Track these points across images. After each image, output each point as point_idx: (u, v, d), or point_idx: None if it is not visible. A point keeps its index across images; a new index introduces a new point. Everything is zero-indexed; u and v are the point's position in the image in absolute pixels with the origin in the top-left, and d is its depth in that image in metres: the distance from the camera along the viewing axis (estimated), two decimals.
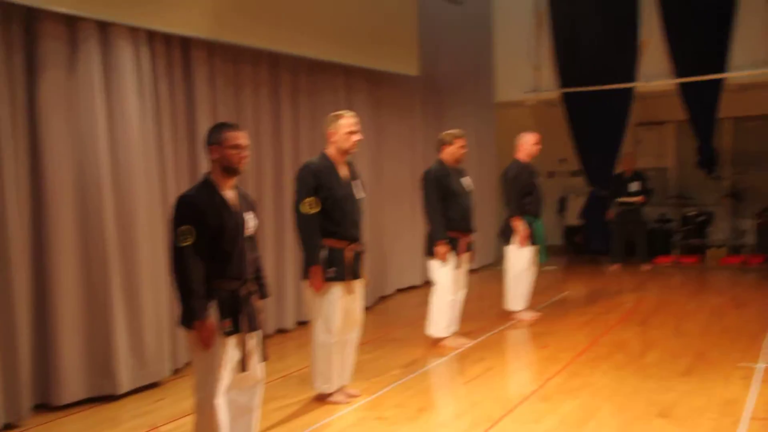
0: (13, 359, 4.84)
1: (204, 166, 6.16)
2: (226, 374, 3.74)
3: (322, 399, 5.18)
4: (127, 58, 5.61)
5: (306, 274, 5.02)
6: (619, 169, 11.37)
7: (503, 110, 12.58)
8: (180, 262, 3.65)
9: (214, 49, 6.53)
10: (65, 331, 5.24)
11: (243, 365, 3.79)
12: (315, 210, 4.98)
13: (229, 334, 3.71)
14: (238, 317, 3.76)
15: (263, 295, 4.06)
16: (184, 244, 3.63)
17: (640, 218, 10.92)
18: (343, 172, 5.15)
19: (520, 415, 4.81)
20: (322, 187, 5.00)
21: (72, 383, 5.29)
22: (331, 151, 5.13)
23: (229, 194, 3.85)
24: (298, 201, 5.04)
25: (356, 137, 5.11)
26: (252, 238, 3.98)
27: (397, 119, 9.52)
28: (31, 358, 5.11)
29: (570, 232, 12.86)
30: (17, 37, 5.03)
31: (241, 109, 6.92)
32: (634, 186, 10.87)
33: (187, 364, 6.02)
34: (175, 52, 6.13)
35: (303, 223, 5.02)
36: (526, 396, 5.17)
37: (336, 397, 5.16)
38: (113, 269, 5.49)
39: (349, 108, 7.83)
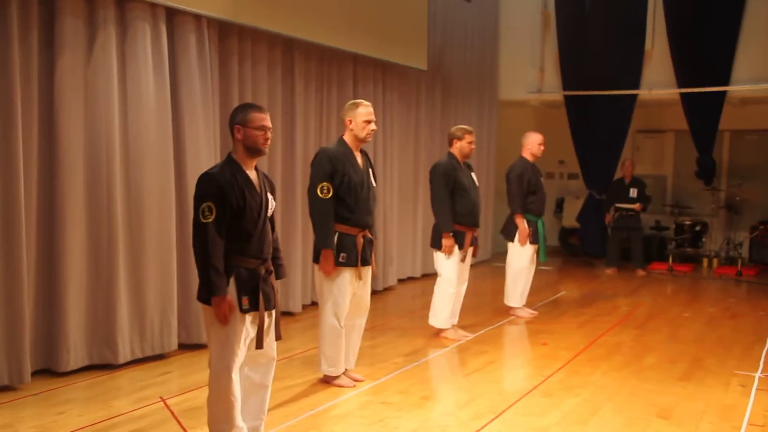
0: (18, 323, 4.87)
1: (220, 143, 6.21)
2: (242, 350, 3.76)
3: (327, 381, 5.22)
4: (146, 35, 5.60)
5: (317, 257, 5.05)
6: (618, 174, 11.44)
7: (505, 109, 12.63)
8: (201, 237, 3.65)
9: (230, 28, 6.52)
10: (70, 300, 5.26)
11: (258, 342, 3.81)
12: (329, 195, 5.01)
13: (246, 311, 3.73)
14: (256, 295, 3.78)
15: (280, 275, 4.08)
16: (207, 220, 3.64)
17: (638, 224, 10.95)
18: (359, 159, 5.17)
19: (523, 408, 4.85)
20: (338, 173, 5.02)
21: (74, 351, 5.32)
22: (347, 138, 5.16)
23: (252, 174, 3.87)
24: (313, 185, 5.05)
25: (372, 126, 5.15)
26: (271, 219, 4.01)
27: (404, 111, 9.55)
28: (35, 323, 5.15)
29: (565, 233, 12.94)
30: (34, 14, 4.99)
31: (257, 90, 6.93)
32: (633, 192, 10.93)
33: (195, 343, 6.08)
34: (196, 29, 6.07)
35: (317, 207, 5.04)
36: (527, 390, 5.22)
37: (341, 381, 5.20)
38: (119, 244, 5.53)
39: (357, 97, 7.88)
